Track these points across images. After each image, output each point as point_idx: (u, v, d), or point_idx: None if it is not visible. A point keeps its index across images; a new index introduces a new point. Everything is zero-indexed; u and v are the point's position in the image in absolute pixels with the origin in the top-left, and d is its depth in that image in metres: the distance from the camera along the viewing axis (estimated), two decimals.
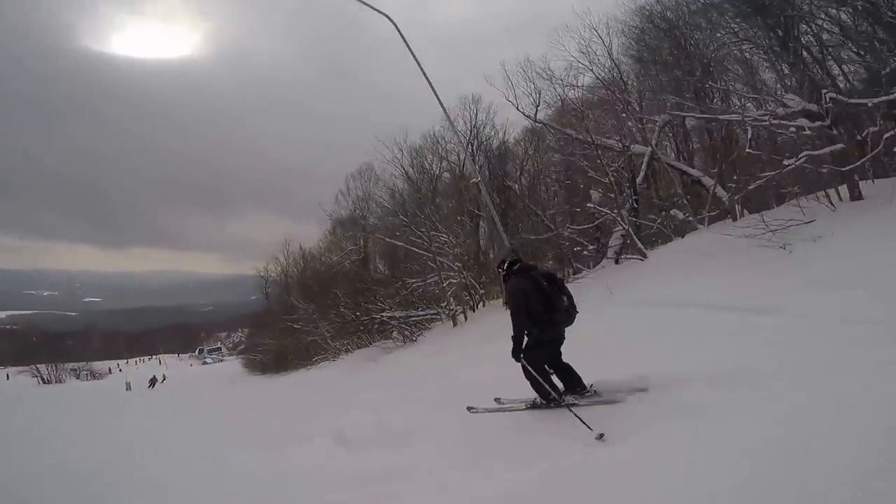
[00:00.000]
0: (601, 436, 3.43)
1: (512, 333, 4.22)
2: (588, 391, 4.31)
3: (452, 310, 16.78)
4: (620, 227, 13.81)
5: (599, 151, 14.46)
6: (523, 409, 4.59)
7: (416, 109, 19.75)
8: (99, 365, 60.16)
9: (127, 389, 30.53)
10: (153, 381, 39.02)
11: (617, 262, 13.80)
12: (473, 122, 20.07)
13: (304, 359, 23.59)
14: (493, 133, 20.48)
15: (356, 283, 21.57)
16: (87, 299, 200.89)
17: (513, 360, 4.28)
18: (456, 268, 16.67)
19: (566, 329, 4.32)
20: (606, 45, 15.08)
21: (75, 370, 46.68)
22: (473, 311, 17.08)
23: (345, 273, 24.53)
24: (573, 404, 4.05)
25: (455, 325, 16.50)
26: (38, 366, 42.36)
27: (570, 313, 4.20)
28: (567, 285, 4.50)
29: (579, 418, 3.67)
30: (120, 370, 56.45)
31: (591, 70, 15.35)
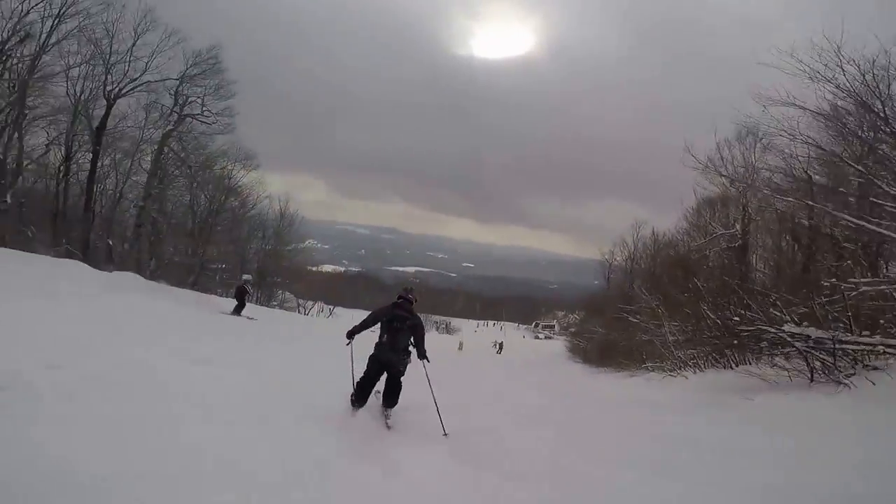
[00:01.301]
0: None
1: None
2: None
3: None
4: None
5: None
6: None
7: None
8: (456, 322, 70.61)
9: (459, 350, 31.78)
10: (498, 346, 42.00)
11: None
12: None
13: (630, 359, 18.28)
14: None
15: (727, 278, 14.78)
16: (464, 264, 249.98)
17: None
18: None
19: None
20: None
21: (437, 323, 54.66)
22: None
23: (708, 265, 19.05)
24: None
25: None
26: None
27: None
28: None
29: None
30: (476, 330, 64.03)
31: None
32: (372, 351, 5.28)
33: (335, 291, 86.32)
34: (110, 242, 22.35)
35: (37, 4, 17.32)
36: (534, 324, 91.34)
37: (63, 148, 20.26)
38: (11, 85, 17.62)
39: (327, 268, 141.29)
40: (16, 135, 17.90)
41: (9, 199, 17.59)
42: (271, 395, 5.37)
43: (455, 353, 27.35)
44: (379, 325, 5.31)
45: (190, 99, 22.69)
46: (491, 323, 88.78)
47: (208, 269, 27.83)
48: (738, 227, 18.85)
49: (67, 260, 15.90)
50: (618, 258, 35.27)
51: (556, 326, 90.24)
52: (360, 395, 5.17)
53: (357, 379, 5.26)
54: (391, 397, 5.25)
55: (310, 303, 42.45)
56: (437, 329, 50.21)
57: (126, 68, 20.68)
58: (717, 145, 17.85)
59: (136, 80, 20.95)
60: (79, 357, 4.92)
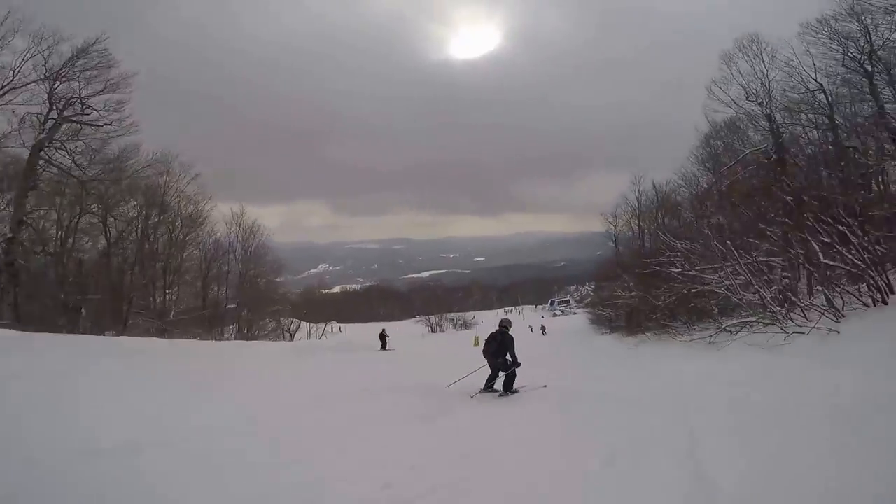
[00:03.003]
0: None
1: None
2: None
3: None
4: None
5: None
6: None
7: None
8: (474, 314, 70.55)
9: (474, 345, 31.44)
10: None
11: None
12: None
13: (688, 317, 16.05)
14: None
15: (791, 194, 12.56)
16: (475, 259, 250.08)
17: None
18: None
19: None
20: None
21: (453, 320, 54.57)
22: None
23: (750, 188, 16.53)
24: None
25: None
26: (430, 316, 51.75)
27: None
28: None
29: None
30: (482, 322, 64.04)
31: None
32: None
33: (349, 309, 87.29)
34: None
35: None
36: (549, 302, 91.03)
37: None
38: None
39: (344, 287, 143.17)
40: None
41: None
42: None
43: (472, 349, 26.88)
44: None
45: (73, 99, 17.89)
46: (510, 309, 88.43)
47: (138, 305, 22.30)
48: (770, 139, 17.19)
49: None
50: (620, 222, 33.50)
51: (570, 301, 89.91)
52: (486, 386, 8.37)
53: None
54: (504, 385, 8.32)
55: (319, 324, 42.32)
56: (455, 326, 50.24)
57: None
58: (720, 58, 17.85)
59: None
60: None
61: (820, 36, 14.52)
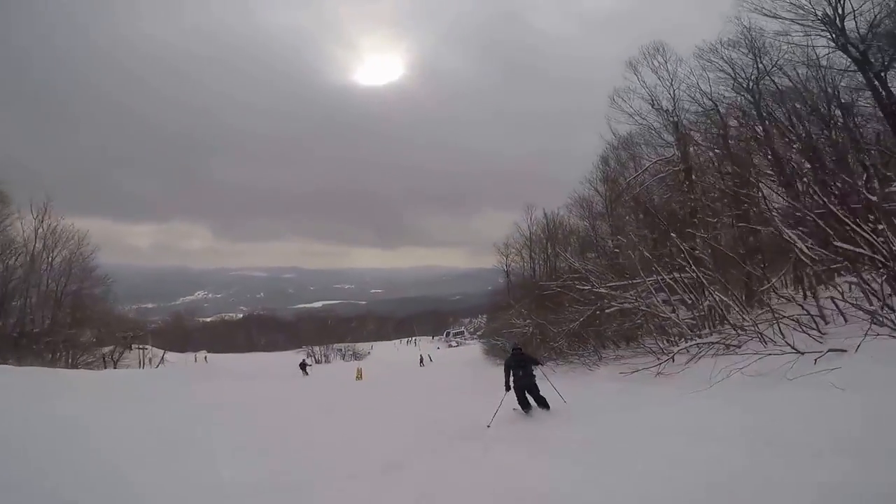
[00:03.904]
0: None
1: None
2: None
3: None
4: None
5: None
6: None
7: None
8: (371, 345, 66.38)
9: (357, 378, 27.93)
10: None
11: None
12: None
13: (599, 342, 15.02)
14: None
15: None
16: (372, 291, 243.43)
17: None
18: None
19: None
20: None
21: (341, 350, 50.30)
22: None
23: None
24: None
25: None
26: (312, 347, 46.97)
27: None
28: None
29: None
30: (370, 350, 60.35)
31: None
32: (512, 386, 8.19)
33: (226, 338, 77.35)
34: None
35: None
36: (445, 333, 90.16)
37: None
38: None
39: (222, 315, 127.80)
40: None
41: None
42: None
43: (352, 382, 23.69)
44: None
45: None
46: (407, 340, 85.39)
47: None
48: (675, 150, 17.06)
49: None
50: (512, 252, 32.86)
51: (464, 332, 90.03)
52: (524, 406, 8.10)
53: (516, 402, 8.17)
54: (541, 402, 8.01)
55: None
56: (344, 357, 45.93)
57: None
58: (627, 64, 17.64)
59: None
60: None
61: (713, 60, 14.97)
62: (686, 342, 9.82)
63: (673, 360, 9.46)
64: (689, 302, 10.62)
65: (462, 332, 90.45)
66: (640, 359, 10.70)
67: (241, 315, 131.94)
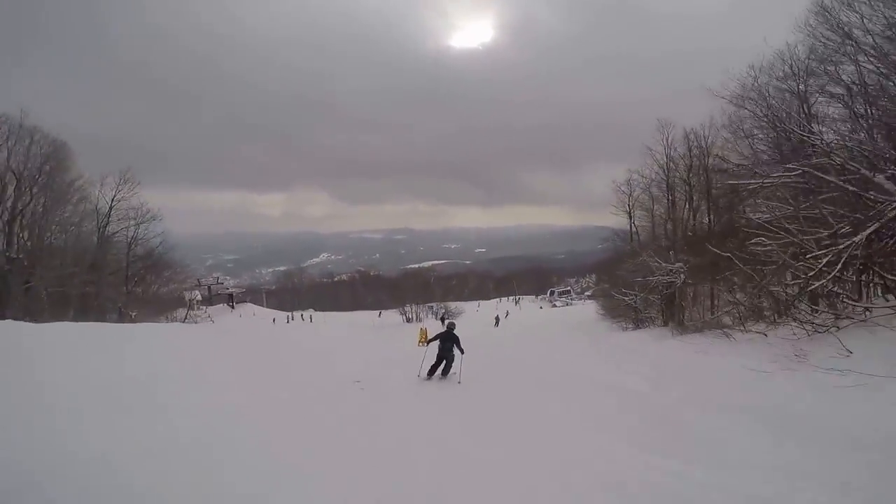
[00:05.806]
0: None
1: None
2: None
3: None
4: None
5: None
6: None
7: None
8: (464, 304, 63.81)
9: (420, 342, 24.90)
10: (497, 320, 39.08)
11: None
12: None
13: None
14: None
15: None
16: (477, 250, 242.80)
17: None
18: None
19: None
20: None
21: (432, 307, 48.44)
22: None
23: None
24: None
25: None
26: (406, 305, 45.58)
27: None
28: None
29: None
30: (477, 309, 57.28)
31: None
32: (437, 351, 10.42)
33: (336, 297, 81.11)
34: None
35: None
36: (549, 292, 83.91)
37: None
38: None
39: (335, 278, 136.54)
40: None
41: None
42: None
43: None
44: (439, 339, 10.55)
45: None
46: (506, 298, 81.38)
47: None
48: None
49: None
50: (639, 189, 25.96)
51: (570, 292, 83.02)
52: (431, 372, 10.30)
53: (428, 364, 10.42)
54: (446, 372, 10.33)
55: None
56: (436, 316, 43.60)
57: None
58: None
59: None
60: None
61: None
62: None
63: None
64: None
65: (568, 291, 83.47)
66: None
67: (359, 275, 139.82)
